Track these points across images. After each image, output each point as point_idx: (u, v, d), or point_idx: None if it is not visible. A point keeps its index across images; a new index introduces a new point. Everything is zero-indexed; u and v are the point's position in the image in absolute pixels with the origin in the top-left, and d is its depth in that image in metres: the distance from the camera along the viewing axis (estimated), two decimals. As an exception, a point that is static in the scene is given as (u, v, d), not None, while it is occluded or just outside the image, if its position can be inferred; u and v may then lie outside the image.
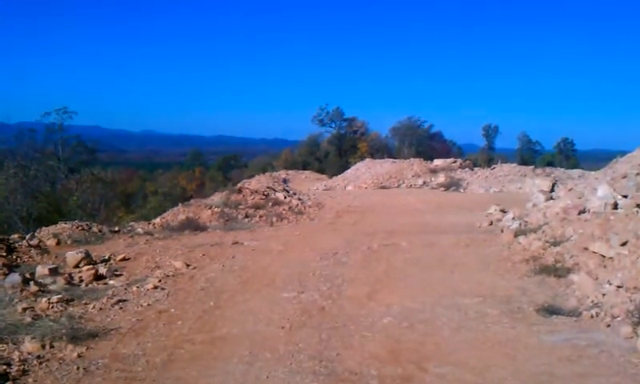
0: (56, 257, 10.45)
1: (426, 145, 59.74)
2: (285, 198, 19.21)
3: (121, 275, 9.18)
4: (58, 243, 11.65)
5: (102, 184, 29.67)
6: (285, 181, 33.86)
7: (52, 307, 7.06)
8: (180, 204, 17.33)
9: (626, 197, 9.15)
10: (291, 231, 14.26)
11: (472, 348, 5.86)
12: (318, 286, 8.43)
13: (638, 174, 9.62)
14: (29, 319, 6.61)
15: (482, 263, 9.72)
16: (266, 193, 19.40)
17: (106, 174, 33.81)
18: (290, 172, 41.85)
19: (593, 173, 17.18)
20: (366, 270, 9.56)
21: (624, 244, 7.67)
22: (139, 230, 13.94)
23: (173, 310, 7.25)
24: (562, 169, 30.79)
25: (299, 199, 19.78)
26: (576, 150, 73.72)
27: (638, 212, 8.48)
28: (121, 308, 7.30)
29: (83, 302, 7.48)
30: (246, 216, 16.08)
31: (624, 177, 9.97)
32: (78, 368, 5.32)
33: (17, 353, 5.59)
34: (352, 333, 6.37)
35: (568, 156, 68.67)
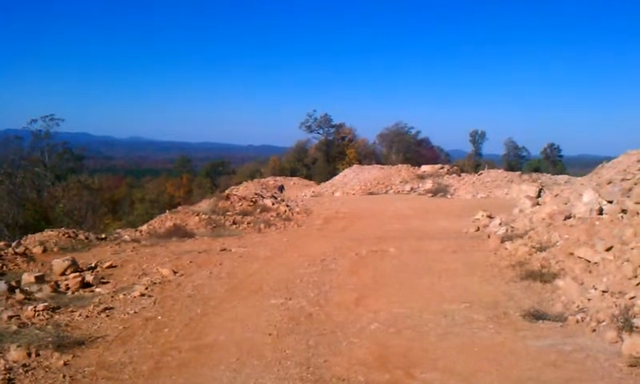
0: (42, 264, 10.35)
1: (414, 151, 59.95)
2: (273, 204, 19.20)
3: (107, 283, 9.12)
4: (45, 251, 11.55)
5: (89, 191, 29.58)
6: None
7: (38, 315, 7.01)
8: (167, 211, 17.28)
9: (611, 202, 9.24)
10: (279, 238, 14.24)
11: (459, 354, 5.89)
12: (305, 292, 8.43)
13: (623, 180, 9.73)
14: (14, 327, 6.56)
15: (468, 269, 9.77)
16: (253, 199, 19.40)
17: (92, 181, 33.71)
18: (278, 178, 41.85)
19: (579, 178, 17.37)
20: (354, 276, 9.57)
21: (609, 249, 7.76)
22: (126, 237, 13.86)
23: (160, 318, 7.22)
24: (549, 174, 30.98)
25: (287, 206, 19.77)
26: (562, 155, 74.72)
27: (622, 217, 8.56)
28: (107, 316, 7.26)
29: (69, 309, 7.43)
30: (234, 223, 16.06)
31: (609, 182, 10.09)
32: (64, 376, 5.29)
33: (2, 361, 5.54)
34: (340, 339, 6.38)
35: (554, 162, 69.41)
